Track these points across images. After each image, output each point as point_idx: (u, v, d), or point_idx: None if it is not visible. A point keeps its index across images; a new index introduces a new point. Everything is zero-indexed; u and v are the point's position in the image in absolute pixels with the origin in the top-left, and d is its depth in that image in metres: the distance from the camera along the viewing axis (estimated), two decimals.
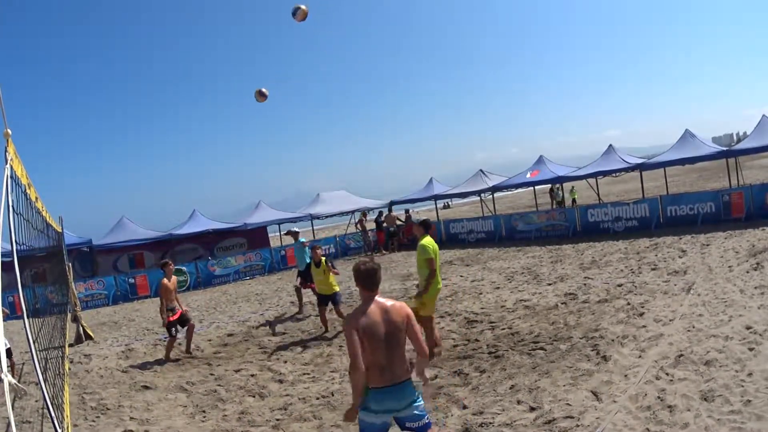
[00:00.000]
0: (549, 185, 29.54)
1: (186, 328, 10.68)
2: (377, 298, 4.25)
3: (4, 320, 4.33)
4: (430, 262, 8.06)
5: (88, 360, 10.37)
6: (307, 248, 13.54)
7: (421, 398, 4.29)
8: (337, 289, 11.09)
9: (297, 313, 13.39)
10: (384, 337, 4.12)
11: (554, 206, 31.14)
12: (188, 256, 25.29)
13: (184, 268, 22.10)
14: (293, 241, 14.39)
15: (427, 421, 4.25)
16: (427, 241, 8.21)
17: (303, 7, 9.19)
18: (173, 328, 10.49)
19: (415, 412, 4.20)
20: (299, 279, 13.49)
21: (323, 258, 11.16)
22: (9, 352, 9.20)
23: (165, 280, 10.62)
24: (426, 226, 8.48)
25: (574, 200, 32.76)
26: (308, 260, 13.50)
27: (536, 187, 29.25)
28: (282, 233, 34.06)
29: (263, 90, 10.41)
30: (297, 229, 14.55)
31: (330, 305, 11.10)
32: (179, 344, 10.93)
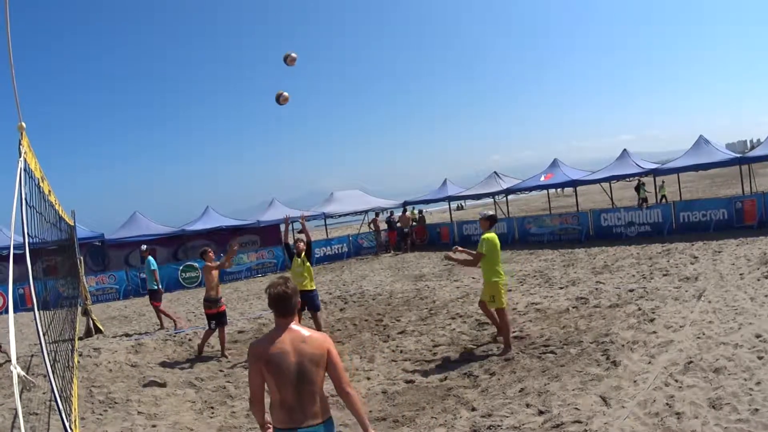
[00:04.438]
0: (636, 180, 26.22)
1: (217, 329, 10.48)
2: (293, 325, 3.56)
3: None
4: (479, 257, 8.43)
5: (97, 353, 10.40)
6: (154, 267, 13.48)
7: None
8: (313, 286, 9.93)
9: (159, 328, 13.19)
10: (294, 372, 3.45)
11: (640, 203, 26.95)
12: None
13: (195, 264, 22.13)
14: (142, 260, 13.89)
15: None
16: (490, 236, 8.49)
17: (285, 94, 9.49)
18: (212, 322, 10.41)
19: None
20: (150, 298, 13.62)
21: (304, 250, 9.97)
22: None
23: (209, 264, 10.57)
24: (492, 221, 8.72)
25: (664, 197, 28.91)
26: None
27: (550, 190, 29.07)
28: (295, 231, 34.01)
29: (292, 55, 10.30)
30: (145, 246, 14.97)
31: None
32: (210, 345, 10.89)
